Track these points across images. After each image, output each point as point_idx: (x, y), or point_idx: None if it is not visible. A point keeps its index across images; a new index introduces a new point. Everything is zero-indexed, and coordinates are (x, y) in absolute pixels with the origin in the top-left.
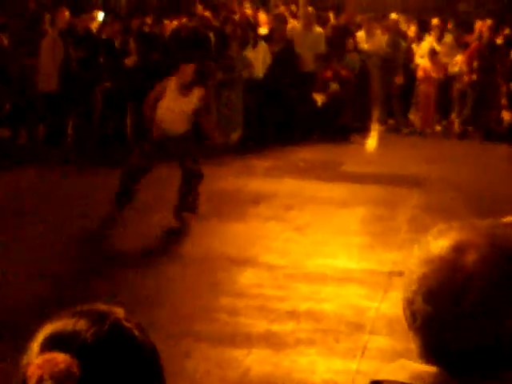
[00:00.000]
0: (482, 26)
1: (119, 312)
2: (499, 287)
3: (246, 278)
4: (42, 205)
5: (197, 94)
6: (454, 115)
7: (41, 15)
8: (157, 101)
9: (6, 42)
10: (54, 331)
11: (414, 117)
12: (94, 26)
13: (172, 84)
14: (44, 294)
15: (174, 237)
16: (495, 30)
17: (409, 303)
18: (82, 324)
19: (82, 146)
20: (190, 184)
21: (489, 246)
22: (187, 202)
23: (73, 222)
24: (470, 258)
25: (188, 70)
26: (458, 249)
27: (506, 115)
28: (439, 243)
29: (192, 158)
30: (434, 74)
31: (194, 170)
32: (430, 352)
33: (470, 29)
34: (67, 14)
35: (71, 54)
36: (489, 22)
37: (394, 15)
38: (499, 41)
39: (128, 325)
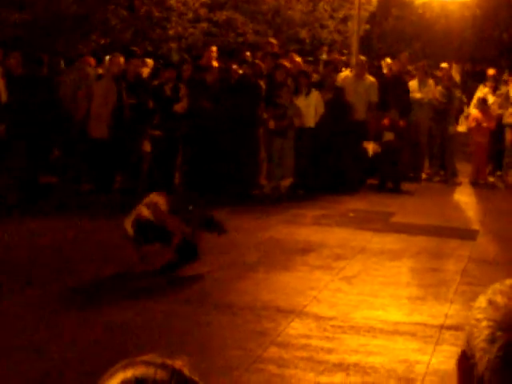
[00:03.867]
0: None
1: (185, 364)
2: None
3: (294, 328)
4: (91, 252)
5: None
6: (506, 166)
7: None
8: None
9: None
10: (136, 377)
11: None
12: (145, 73)
13: None
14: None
15: (222, 286)
16: None
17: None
18: (162, 375)
19: (129, 194)
20: None
21: None
22: None
23: (106, 270)
24: None
25: None
26: None
27: None
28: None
29: None
30: (484, 124)
31: None
32: None
33: None
34: (122, 59)
35: (124, 100)
36: None
37: (444, 64)
38: None
39: (195, 378)
